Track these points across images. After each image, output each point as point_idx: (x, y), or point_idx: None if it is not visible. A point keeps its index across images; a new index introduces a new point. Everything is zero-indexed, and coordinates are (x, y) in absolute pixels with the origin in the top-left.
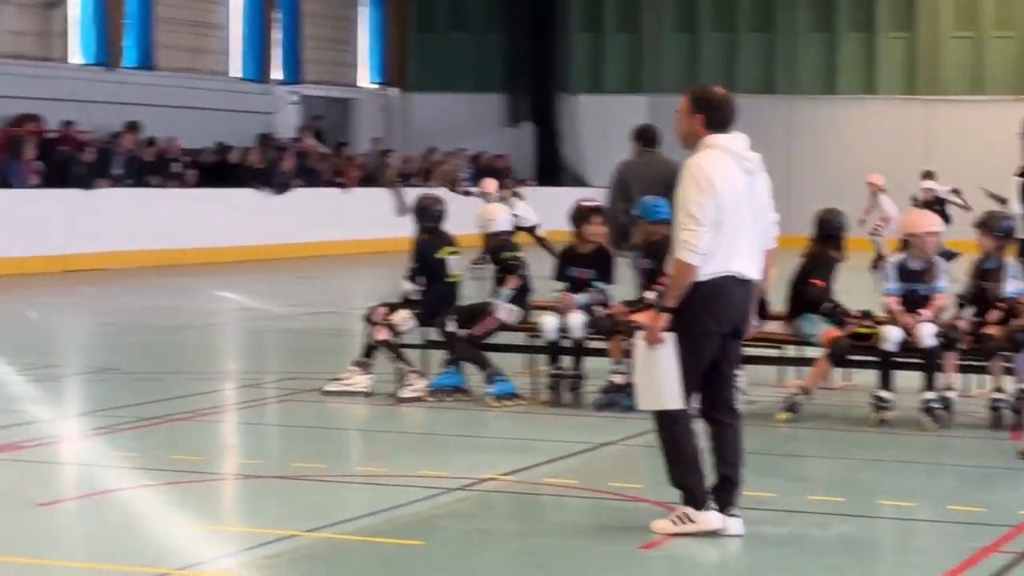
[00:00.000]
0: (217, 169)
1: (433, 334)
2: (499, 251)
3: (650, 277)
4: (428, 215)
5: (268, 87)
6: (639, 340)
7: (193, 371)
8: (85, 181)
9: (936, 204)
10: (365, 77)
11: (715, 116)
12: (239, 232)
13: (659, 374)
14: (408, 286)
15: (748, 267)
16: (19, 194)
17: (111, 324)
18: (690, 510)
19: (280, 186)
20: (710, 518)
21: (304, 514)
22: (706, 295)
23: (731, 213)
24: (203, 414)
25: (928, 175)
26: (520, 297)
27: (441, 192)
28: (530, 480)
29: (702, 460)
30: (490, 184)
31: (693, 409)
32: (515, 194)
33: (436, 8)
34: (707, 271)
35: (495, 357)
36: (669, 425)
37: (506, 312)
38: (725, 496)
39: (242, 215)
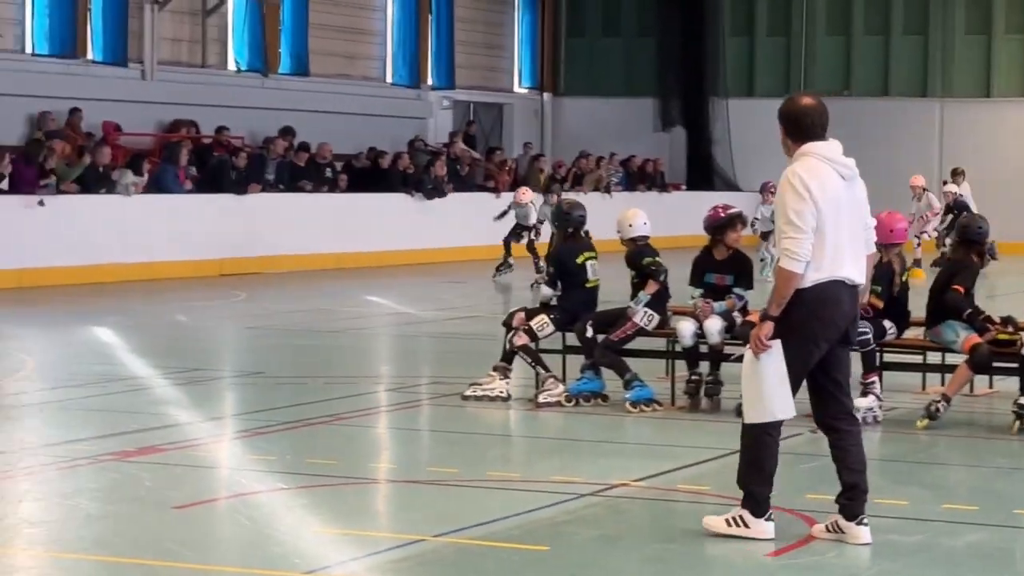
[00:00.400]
0: (369, 174)
1: (572, 339)
2: (638, 256)
3: None
4: (568, 220)
5: (421, 92)
6: (746, 350)
7: (336, 375)
8: (238, 186)
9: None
10: (517, 82)
11: (796, 127)
12: (390, 236)
13: (766, 384)
14: (547, 291)
15: (854, 272)
16: (173, 199)
17: (260, 328)
18: (748, 515)
19: (431, 191)
20: (766, 528)
21: (433, 518)
22: (814, 301)
23: (831, 219)
24: (342, 418)
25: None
26: (658, 302)
27: (592, 197)
28: (663, 486)
29: (775, 471)
30: (524, 192)
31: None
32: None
33: (588, 13)
34: (814, 277)
35: (633, 362)
36: (757, 431)
37: (644, 317)
38: (854, 505)
39: (393, 220)
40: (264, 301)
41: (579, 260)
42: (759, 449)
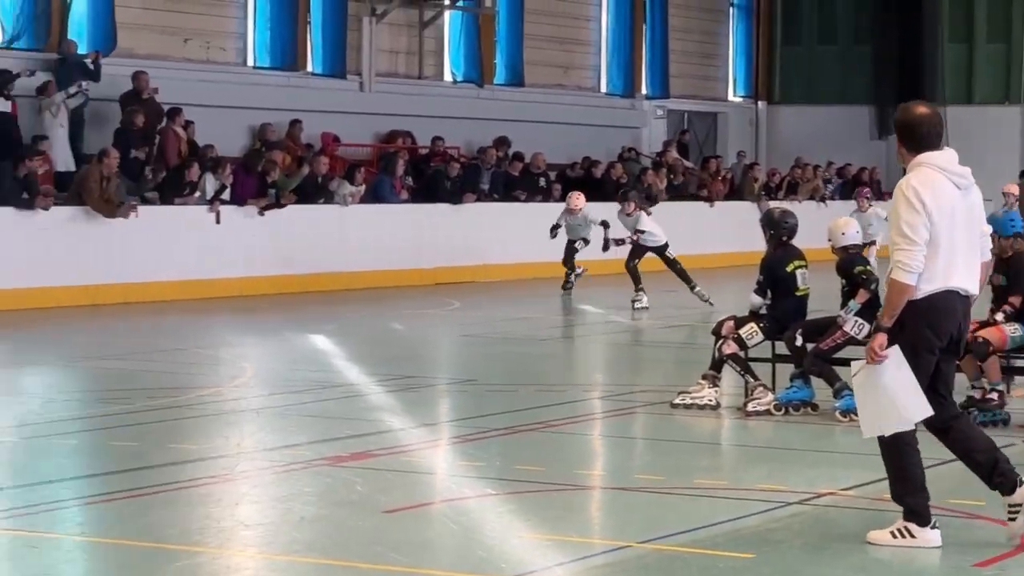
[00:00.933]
0: (582, 183)
1: (781, 348)
2: (849, 265)
3: (1001, 293)
4: (780, 228)
5: (635, 102)
6: (860, 364)
7: (547, 383)
8: (453, 196)
9: None
10: (731, 91)
11: (911, 136)
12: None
13: (894, 393)
14: (756, 300)
15: (967, 282)
16: (390, 209)
17: (473, 336)
18: (912, 526)
19: (645, 200)
20: (932, 537)
21: (639, 525)
22: (928, 311)
23: (945, 230)
24: (552, 425)
25: None
26: (868, 311)
27: (806, 206)
28: (871, 496)
29: (924, 477)
30: (578, 198)
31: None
32: (642, 208)
33: (803, 21)
34: (928, 288)
35: (843, 371)
36: (893, 442)
37: (854, 326)
38: (1009, 474)
39: None
40: (478, 309)
41: (789, 268)
42: (900, 459)
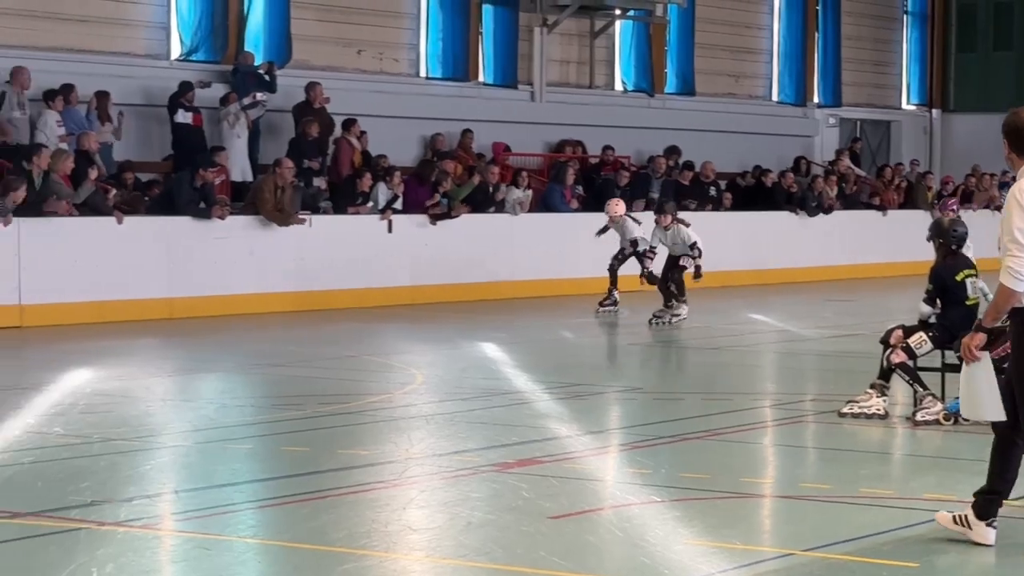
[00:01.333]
0: (754, 192)
1: (951, 357)
2: None
3: None
4: (948, 237)
5: (807, 110)
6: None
7: (715, 391)
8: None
9: None
10: (905, 99)
11: (1020, 141)
12: (775, 254)
13: (977, 390)
14: (926, 309)
15: None
16: (559, 218)
17: (642, 344)
18: (972, 516)
19: (815, 208)
20: (986, 534)
21: (804, 533)
22: None
23: None
24: (718, 433)
25: None
26: None
27: (981, 215)
28: None
29: (1013, 479)
30: (617, 205)
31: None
32: (679, 221)
33: (978, 27)
34: None
35: None
36: (1004, 440)
37: None
38: (991, 507)
39: (778, 237)
40: (646, 317)
41: (958, 277)
42: (1002, 450)
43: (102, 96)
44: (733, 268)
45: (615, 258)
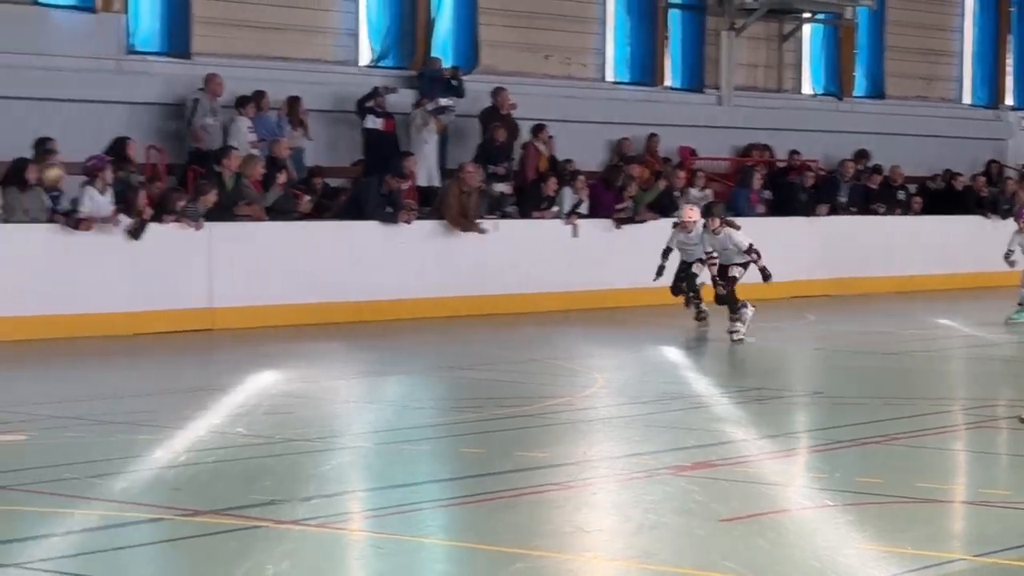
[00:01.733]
0: (943, 196)
1: None
2: None
3: None
4: None
5: (999, 113)
6: None
7: (897, 396)
8: (806, 208)
9: None
10: None
11: None
12: (965, 258)
13: None
14: None
15: None
16: (741, 222)
17: (825, 349)
18: None
19: (1008, 212)
20: None
21: (976, 539)
22: None
23: None
24: (896, 438)
25: None
26: None
27: None
28: None
29: None
30: (691, 211)
31: None
32: (728, 224)
33: None
34: None
35: None
36: None
37: None
38: None
39: (968, 241)
40: (832, 323)
41: None
42: None
43: (293, 101)
44: (922, 272)
45: (682, 277)
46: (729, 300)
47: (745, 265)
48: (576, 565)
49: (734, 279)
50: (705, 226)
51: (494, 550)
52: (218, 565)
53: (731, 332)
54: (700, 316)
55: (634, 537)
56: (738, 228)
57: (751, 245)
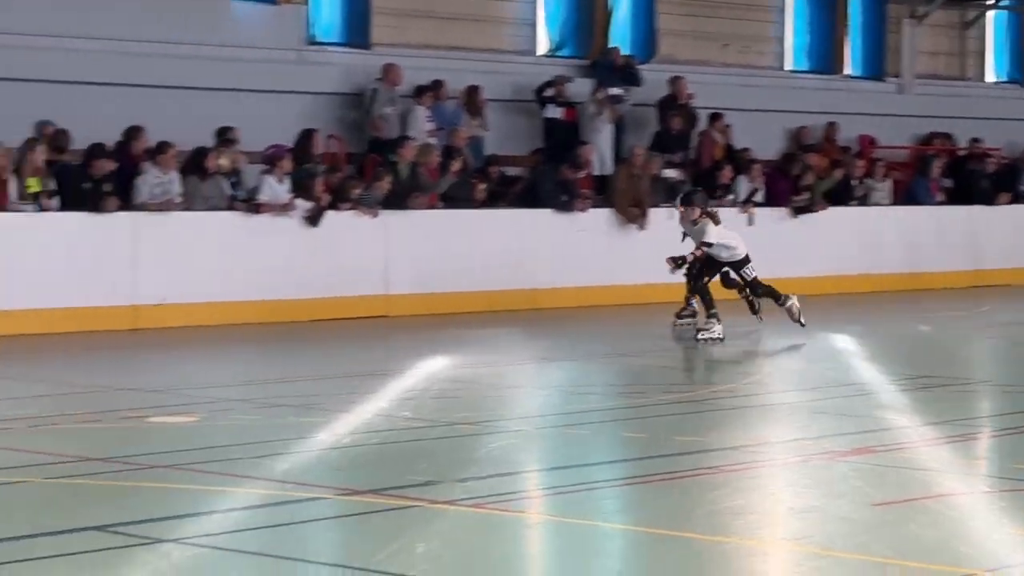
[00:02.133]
0: None
1: None
2: None
3: None
4: None
5: None
6: None
7: None
8: (987, 197)
9: None
10: None
11: None
12: None
13: None
14: None
15: None
16: (920, 211)
17: (999, 338)
18: None
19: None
20: None
21: None
22: None
23: None
24: None
25: None
26: None
27: None
28: None
29: None
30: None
31: None
32: (709, 215)
33: None
34: None
35: None
36: None
37: None
38: None
39: None
40: (1012, 312)
41: None
42: None
43: (472, 91)
44: None
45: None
46: (762, 292)
47: (740, 263)
48: (723, 549)
49: (754, 280)
50: (683, 216)
51: (643, 532)
52: (368, 542)
53: (700, 330)
54: (753, 311)
55: (784, 520)
56: (718, 223)
57: (711, 244)
